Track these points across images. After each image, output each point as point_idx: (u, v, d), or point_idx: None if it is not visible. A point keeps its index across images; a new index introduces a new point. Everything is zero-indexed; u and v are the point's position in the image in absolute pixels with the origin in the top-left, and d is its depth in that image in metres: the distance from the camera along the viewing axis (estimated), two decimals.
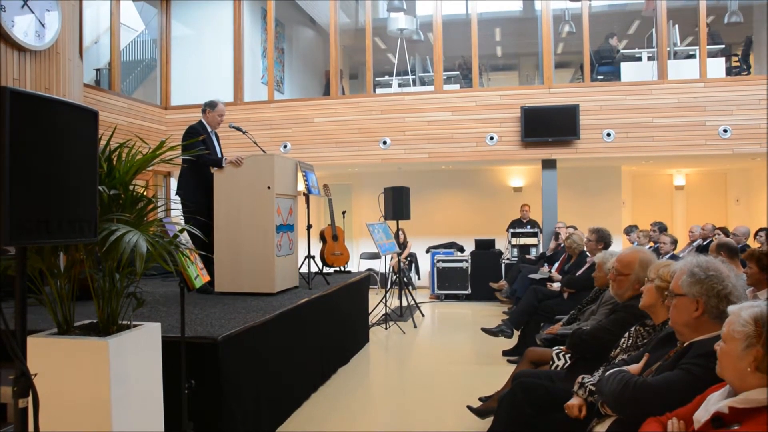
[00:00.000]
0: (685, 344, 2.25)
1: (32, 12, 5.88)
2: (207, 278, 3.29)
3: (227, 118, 6.15)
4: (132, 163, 2.82)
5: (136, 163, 2.83)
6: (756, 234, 8.54)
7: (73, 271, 2.68)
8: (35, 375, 1.93)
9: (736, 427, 1.67)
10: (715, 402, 1.80)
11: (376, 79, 11.28)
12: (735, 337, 1.76)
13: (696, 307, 2.21)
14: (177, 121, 9.89)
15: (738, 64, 10.32)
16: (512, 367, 4.53)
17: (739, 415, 1.69)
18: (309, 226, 5.96)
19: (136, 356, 2.65)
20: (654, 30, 9.97)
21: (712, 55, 9.67)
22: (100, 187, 2.46)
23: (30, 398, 1.92)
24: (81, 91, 6.98)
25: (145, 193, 2.90)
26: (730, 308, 1.85)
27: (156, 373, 2.82)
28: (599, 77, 10.31)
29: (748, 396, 1.70)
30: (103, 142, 2.72)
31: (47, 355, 2.48)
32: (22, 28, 5.77)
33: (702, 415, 1.82)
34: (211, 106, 5.79)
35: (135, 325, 2.74)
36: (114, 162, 2.81)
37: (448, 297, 10.61)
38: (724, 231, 8.66)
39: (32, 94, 1.96)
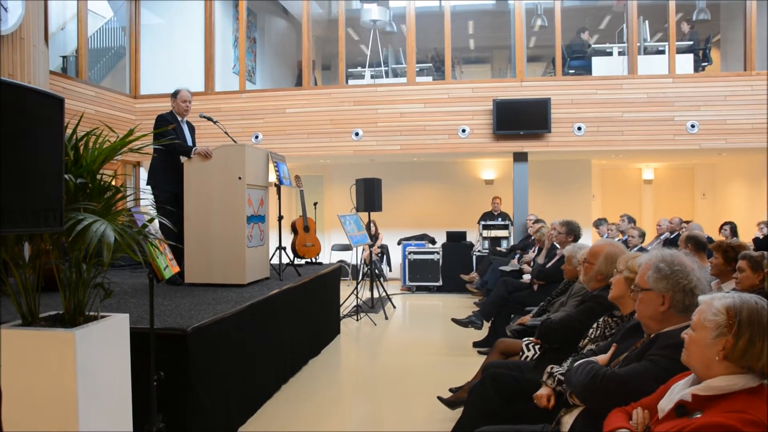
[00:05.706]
0: (652, 336, 2.28)
1: None
2: (176, 269, 3.25)
3: (198, 108, 6.08)
4: (100, 151, 2.76)
5: (104, 151, 2.77)
6: (721, 228, 8.74)
7: (38, 261, 2.62)
8: None
9: (698, 415, 1.70)
10: (679, 391, 1.84)
11: (349, 70, 11.22)
12: (705, 325, 1.78)
13: (662, 302, 2.24)
14: (147, 111, 9.73)
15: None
16: (482, 358, 4.56)
17: (702, 402, 1.73)
18: (280, 217, 5.93)
19: (104, 348, 2.61)
20: (624, 25, 10.09)
21: (681, 51, 9.81)
22: (66, 176, 2.41)
23: None
24: (47, 78, 6.81)
25: (113, 182, 2.84)
26: (701, 298, 1.87)
27: (124, 365, 2.78)
28: (571, 71, 10.40)
29: (711, 384, 1.73)
30: (69, 130, 2.66)
31: (11, 347, 2.43)
32: None
33: (666, 404, 1.85)
34: (174, 94, 5.73)
35: (102, 317, 2.70)
36: (81, 150, 2.75)
37: (419, 289, 10.64)
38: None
39: None
